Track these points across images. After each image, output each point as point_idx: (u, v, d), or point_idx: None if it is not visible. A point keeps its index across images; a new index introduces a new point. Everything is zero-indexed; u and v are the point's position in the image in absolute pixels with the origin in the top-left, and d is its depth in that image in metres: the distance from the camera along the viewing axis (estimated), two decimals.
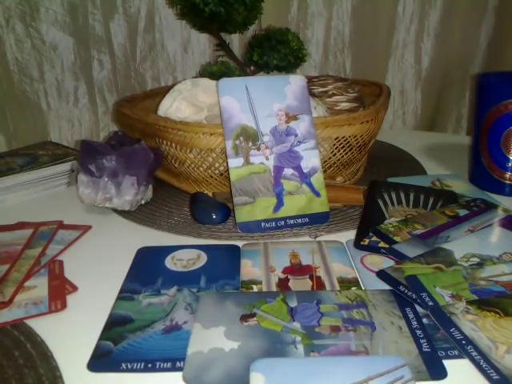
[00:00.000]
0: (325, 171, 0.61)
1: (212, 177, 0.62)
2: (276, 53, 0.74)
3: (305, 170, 0.57)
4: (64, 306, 0.42)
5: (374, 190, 0.63)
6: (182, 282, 0.45)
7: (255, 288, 0.44)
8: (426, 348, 0.36)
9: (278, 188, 0.56)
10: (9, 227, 0.57)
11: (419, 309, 0.40)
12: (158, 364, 0.35)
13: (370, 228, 0.53)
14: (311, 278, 0.46)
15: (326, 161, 0.61)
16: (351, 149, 0.62)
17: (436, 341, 0.37)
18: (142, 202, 0.63)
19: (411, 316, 0.39)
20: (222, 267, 0.48)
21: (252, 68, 0.78)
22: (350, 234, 0.54)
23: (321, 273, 0.46)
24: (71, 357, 0.36)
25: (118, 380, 0.34)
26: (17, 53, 0.84)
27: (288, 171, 0.56)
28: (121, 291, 0.44)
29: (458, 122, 1.04)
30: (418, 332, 0.37)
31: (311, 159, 0.57)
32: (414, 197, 0.61)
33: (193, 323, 0.39)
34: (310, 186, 0.57)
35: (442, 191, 0.64)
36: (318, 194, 0.57)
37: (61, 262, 0.50)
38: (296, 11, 0.94)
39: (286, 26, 0.79)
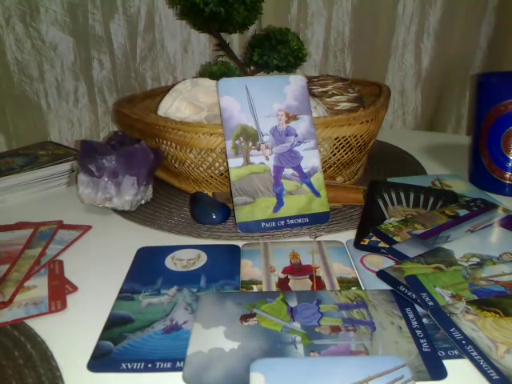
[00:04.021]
0: (325, 171, 0.61)
1: (212, 177, 0.62)
2: (276, 53, 0.74)
3: (305, 170, 0.57)
4: (64, 306, 0.42)
5: (374, 190, 0.63)
6: (181, 282, 0.45)
7: (255, 288, 0.44)
8: (425, 348, 0.36)
9: (278, 188, 0.56)
10: (9, 227, 0.57)
11: (419, 309, 0.40)
12: (157, 364, 0.35)
13: (370, 228, 0.53)
14: (311, 278, 0.46)
15: (326, 161, 0.61)
16: (351, 149, 0.62)
17: (436, 341, 0.37)
18: (142, 202, 0.63)
19: (411, 316, 0.39)
20: (222, 267, 0.48)
21: (252, 68, 0.78)
22: (350, 234, 0.54)
23: (321, 273, 0.46)
24: (71, 357, 0.36)
25: (118, 380, 0.34)
26: (17, 53, 0.84)
27: (288, 171, 0.56)
28: (121, 291, 0.44)
29: (457, 122, 1.04)
30: (418, 332, 0.37)
31: (311, 159, 0.57)
32: (414, 197, 0.61)
33: (193, 323, 0.39)
34: (310, 185, 0.57)
35: (442, 191, 0.64)
36: (317, 194, 0.57)
37: (61, 262, 0.50)
38: (296, 11, 0.94)
39: (286, 26, 0.79)
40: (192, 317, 0.40)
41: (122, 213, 0.61)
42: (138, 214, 0.61)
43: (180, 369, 0.34)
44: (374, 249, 0.50)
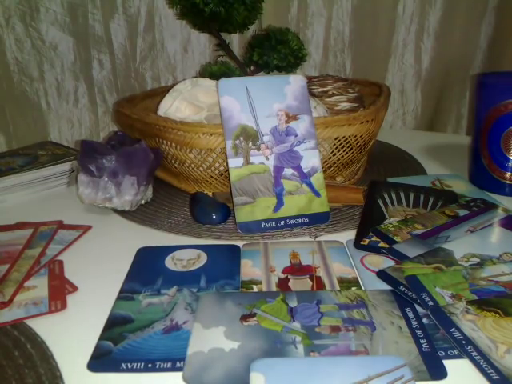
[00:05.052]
0: (325, 171, 0.61)
1: (212, 177, 0.62)
2: (276, 53, 0.74)
3: (305, 170, 0.57)
4: (64, 306, 0.42)
5: (373, 190, 0.63)
6: (181, 282, 0.45)
7: (255, 288, 0.44)
8: (425, 348, 0.36)
9: (278, 188, 0.56)
10: (9, 227, 0.57)
11: (419, 309, 0.40)
12: (157, 364, 0.35)
13: (370, 228, 0.53)
14: (311, 278, 0.46)
15: (326, 161, 0.61)
16: (351, 149, 0.62)
17: (436, 341, 0.37)
18: (142, 202, 0.63)
19: (411, 316, 0.39)
20: (222, 267, 0.48)
21: (252, 68, 0.78)
22: (350, 234, 0.54)
23: (321, 273, 0.46)
24: (71, 357, 0.36)
25: (118, 380, 0.34)
26: (17, 53, 0.84)
27: (288, 171, 0.56)
28: (121, 291, 0.44)
29: (457, 122, 1.05)
30: (418, 332, 0.37)
31: (311, 159, 0.57)
32: (414, 197, 0.61)
33: (193, 323, 0.39)
34: (310, 185, 0.57)
35: (442, 191, 0.64)
36: (318, 194, 0.57)
37: (61, 262, 0.50)
38: (296, 11, 0.94)
39: (286, 26, 0.79)
40: (192, 317, 0.40)
41: (122, 213, 0.61)
42: (138, 214, 0.61)
43: (180, 369, 0.34)
44: (374, 249, 0.50)
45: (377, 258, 0.49)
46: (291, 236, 0.54)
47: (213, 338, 0.37)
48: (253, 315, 0.40)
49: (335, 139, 0.60)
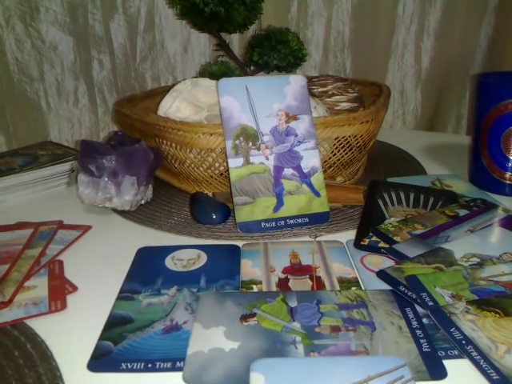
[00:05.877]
0: (325, 171, 0.61)
1: (212, 177, 0.62)
2: (276, 53, 0.74)
3: (305, 170, 0.57)
4: (64, 306, 0.42)
5: (374, 190, 0.63)
6: (181, 281, 0.45)
7: (255, 288, 0.44)
8: (425, 348, 0.36)
9: (278, 188, 0.56)
10: (9, 227, 0.57)
11: (419, 309, 0.40)
12: (157, 364, 0.35)
13: (370, 228, 0.53)
14: (311, 278, 0.46)
15: (326, 161, 0.61)
16: (351, 149, 0.62)
17: (436, 341, 0.37)
18: (142, 202, 0.63)
19: (411, 316, 0.39)
20: (222, 267, 0.48)
21: (252, 68, 0.78)
22: (350, 234, 0.54)
23: (321, 273, 0.46)
24: (71, 357, 0.36)
25: (118, 380, 0.34)
26: (17, 53, 0.84)
27: (288, 171, 0.56)
28: (121, 291, 0.44)
29: (457, 122, 1.04)
30: (418, 332, 0.37)
31: (311, 159, 0.57)
32: (414, 197, 0.61)
33: (193, 323, 0.39)
34: (310, 185, 0.57)
35: (442, 191, 0.64)
36: (318, 194, 0.57)
37: (61, 262, 0.50)
38: (296, 11, 0.94)
39: (286, 26, 0.79)
40: (192, 317, 0.40)
41: (122, 213, 0.61)
42: (137, 214, 0.61)
43: (180, 369, 0.34)
44: (374, 249, 0.50)
45: (377, 258, 0.49)
46: (291, 236, 0.54)
47: (213, 338, 0.37)
48: (253, 315, 0.40)
49: (335, 139, 0.60)
